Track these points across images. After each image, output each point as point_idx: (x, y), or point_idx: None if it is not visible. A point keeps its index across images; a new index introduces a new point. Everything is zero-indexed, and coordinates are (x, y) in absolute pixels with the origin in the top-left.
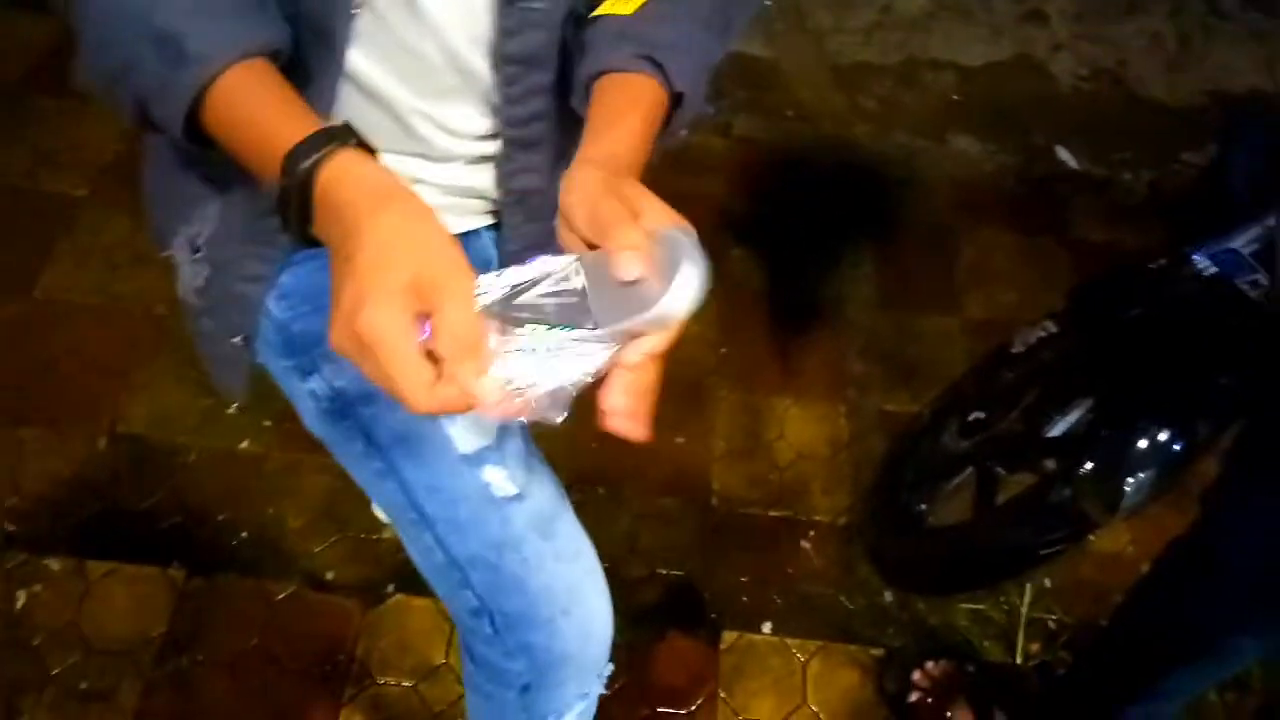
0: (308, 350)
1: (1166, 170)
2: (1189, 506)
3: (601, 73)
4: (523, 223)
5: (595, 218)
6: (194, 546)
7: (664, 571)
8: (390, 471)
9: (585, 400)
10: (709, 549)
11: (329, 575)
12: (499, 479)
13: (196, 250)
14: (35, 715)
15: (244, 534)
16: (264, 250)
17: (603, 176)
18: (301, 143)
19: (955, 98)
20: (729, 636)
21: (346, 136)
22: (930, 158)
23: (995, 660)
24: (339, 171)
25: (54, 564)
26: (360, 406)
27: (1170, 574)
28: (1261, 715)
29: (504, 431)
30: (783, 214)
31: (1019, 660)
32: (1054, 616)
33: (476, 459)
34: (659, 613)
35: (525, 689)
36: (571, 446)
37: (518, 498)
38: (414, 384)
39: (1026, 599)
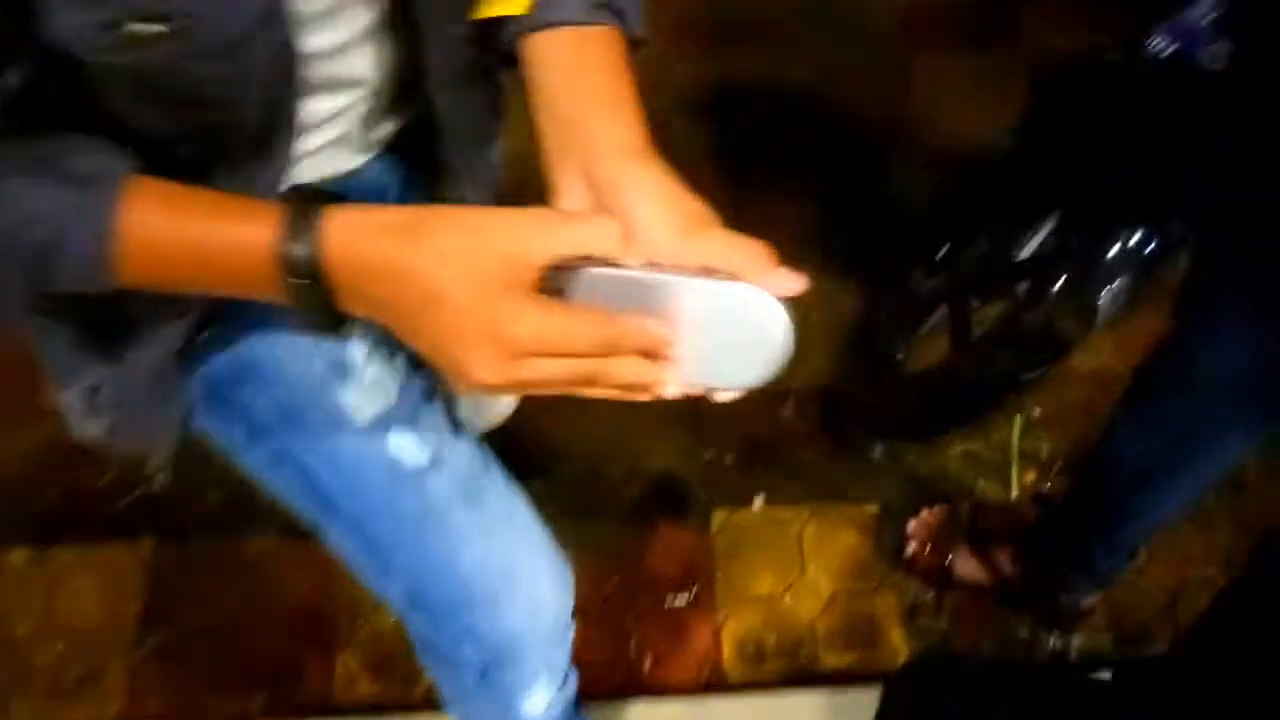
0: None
1: None
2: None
3: (548, 24)
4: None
5: (711, 243)
6: (160, 517)
7: (644, 463)
8: (282, 456)
9: None
10: (690, 430)
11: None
12: (408, 447)
13: (96, 405)
14: (27, 711)
15: (210, 496)
16: (175, 388)
17: (682, 194)
18: (281, 232)
19: None
20: (719, 516)
21: (309, 200)
22: None
23: (992, 499)
24: (341, 235)
25: (17, 557)
26: (231, 387)
27: (1150, 386)
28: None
29: (405, 389)
30: (727, 75)
31: (1014, 494)
32: (1045, 445)
33: (378, 427)
34: (646, 506)
35: (483, 673)
36: None
37: (432, 466)
38: (610, 335)
39: (1016, 432)
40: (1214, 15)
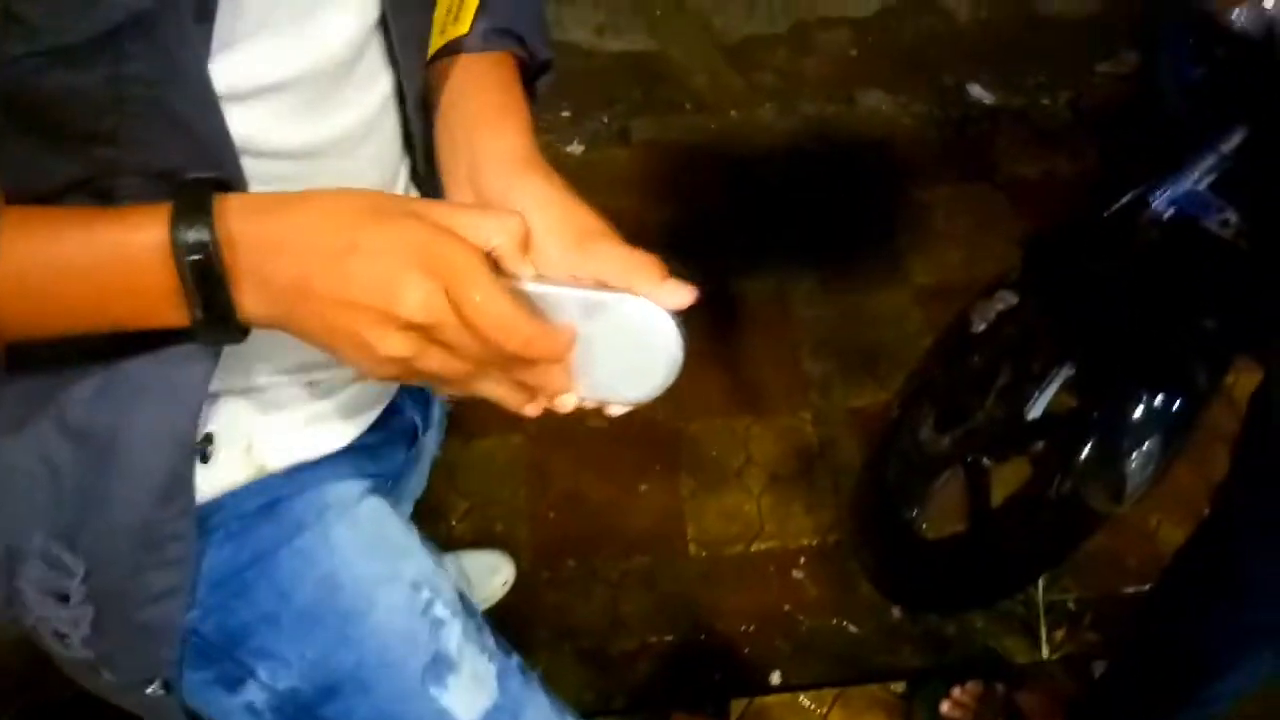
0: (231, 651)
1: (1085, 86)
2: (1201, 456)
3: (450, 52)
4: None
5: (599, 253)
6: None
7: (654, 639)
8: None
9: (537, 470)
10: (697, 602)
11: None
12: None
13: (65, 596)
14: None
15: None
16: (165, 550)
17: (573, 204)
18: (172, 220)
19: (854, 53)
20: (737, 706)
21: (197, 186)
22: (842, 123)
23: (1021, 659)
24: (237, 215)
25: None
26: (322, 705)
27: (1184, 588)
28: None
29: (503, 673)
30: (701, 216)
31: (1045, 653)
32: (1072, 596)
33: None
34: (656, 687)
35: None
36: (531, 522)
37: None
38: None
39: (1041, 585)
40: (1213, 178)
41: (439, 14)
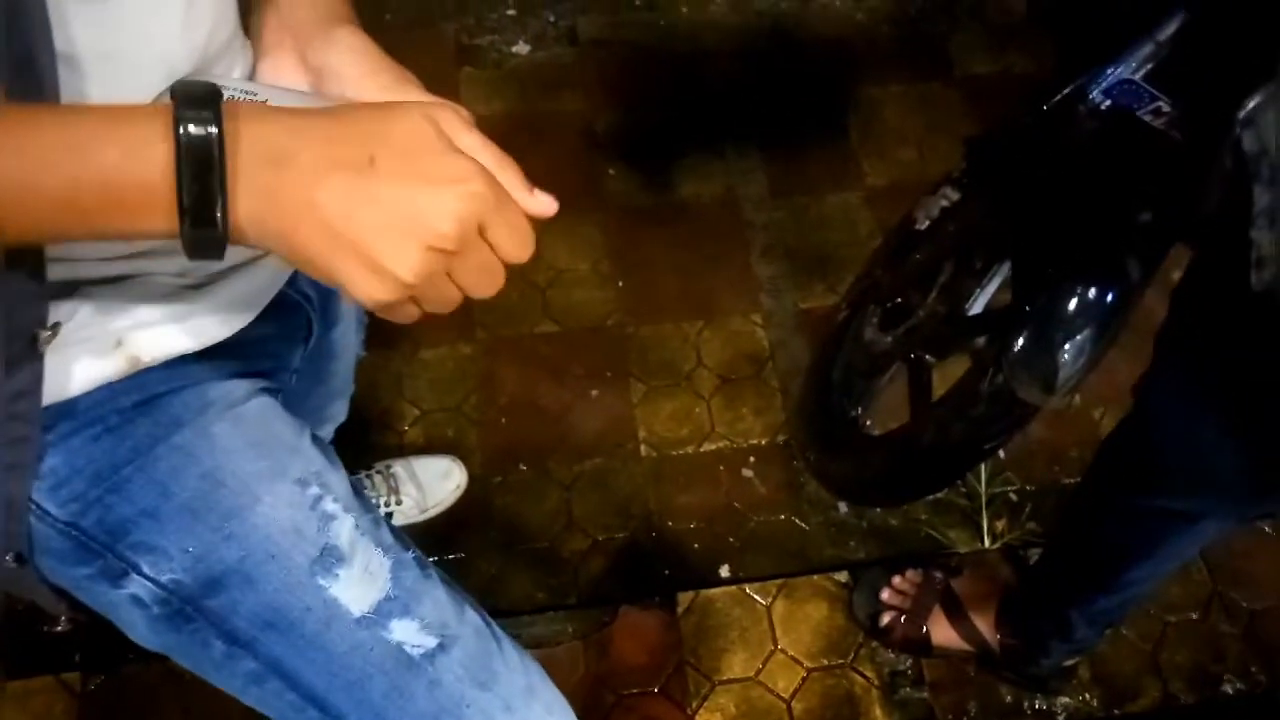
0: (112, 546)
1: None
2: (1144, 349)
3: None
4: None
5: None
6: (87, 643)
7: (605, 538)
8: (270, 669)
9: (487, 377)
10: (649, 502)
11: None
12: (411, 633)
13: None
14: None
15: None
16: (9, 427)
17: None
18: (178, 109)
19: None
20: (684, 598)
21: (197, 88)
22: (795, 20)
23: (964, 549)
24: (246, 112)
25: None
26: (206, 598)
27: (1113, 476)
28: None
29: (398, 567)
30: (652, 118)
31: (987, 542)
32: (1014, 487)
33: (377, 617)
34: (608, 585)
35: None
36: (482, 428)
37: (440, 648)
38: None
39: (984, 477)
40: (1149, 68)
41: None
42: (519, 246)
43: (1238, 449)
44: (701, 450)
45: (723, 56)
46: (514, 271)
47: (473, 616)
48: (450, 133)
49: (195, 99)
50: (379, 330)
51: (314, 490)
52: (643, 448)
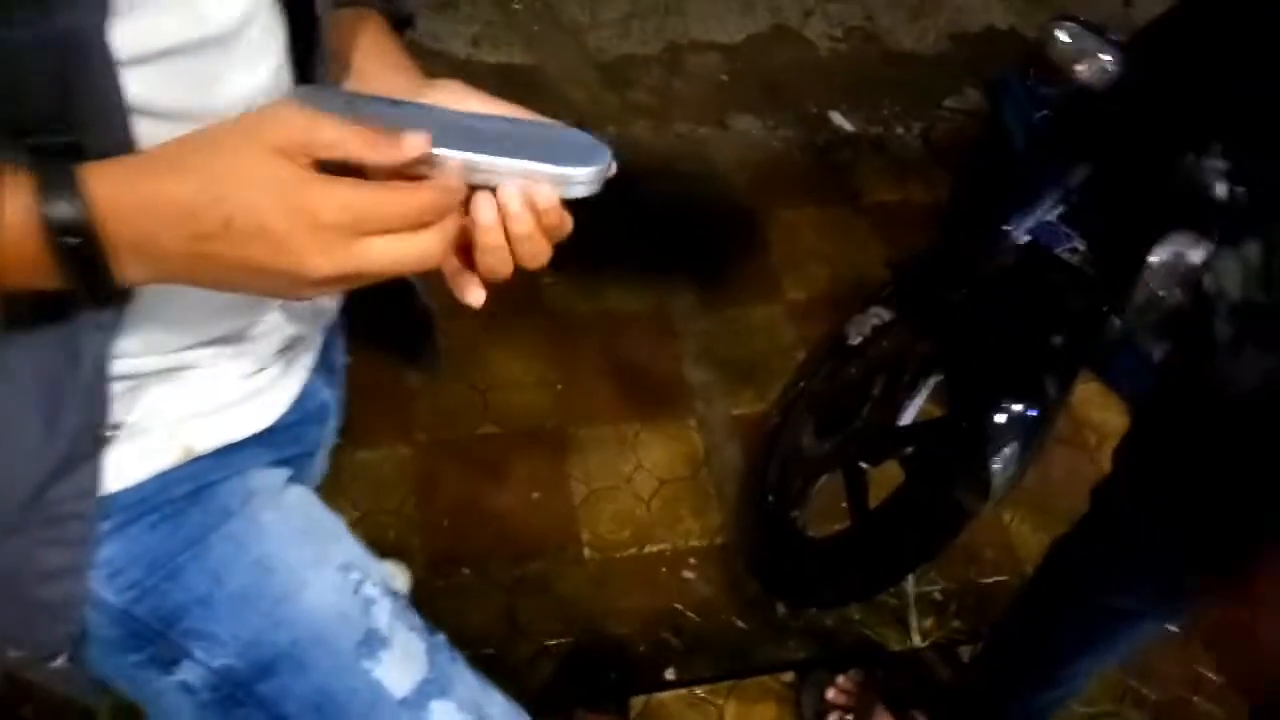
0: (165, 633)
1: (934, 120)
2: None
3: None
4: None
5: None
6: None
7: (552, 643)
8: None
9: (427, 479)
10: (592, 605)
11: None
12: (449, 714)
13: None
14: None
15: None
16: (63, 529)
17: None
18: (35, 193)
19: (724, 78)
20: (637, 702)
21: (51, 154)
22: (715, 144)
23: (895, 647)
24: (108, 185)
25: None
26: (258, 682)
27: (1042, 582)
28: None
29: (431, 649)
30: (583, 231)
31: (916, 640)
32: (938, 587)
33: (418, 698)
34: (558, 690)
35: None
36: (423, 531)
37: None
38: (408, 202)
39: (911, 577)
40: (1062, 210)
41: None
42: (412, 223)
43: (1187, 553)
44: (644, 552)
45: (649, 175)
46: (455, 375)
47: (499, 698)
48: (303, 148)
49: (50, 175)
50: None
51: (355, 575)
52: (586, 550)
